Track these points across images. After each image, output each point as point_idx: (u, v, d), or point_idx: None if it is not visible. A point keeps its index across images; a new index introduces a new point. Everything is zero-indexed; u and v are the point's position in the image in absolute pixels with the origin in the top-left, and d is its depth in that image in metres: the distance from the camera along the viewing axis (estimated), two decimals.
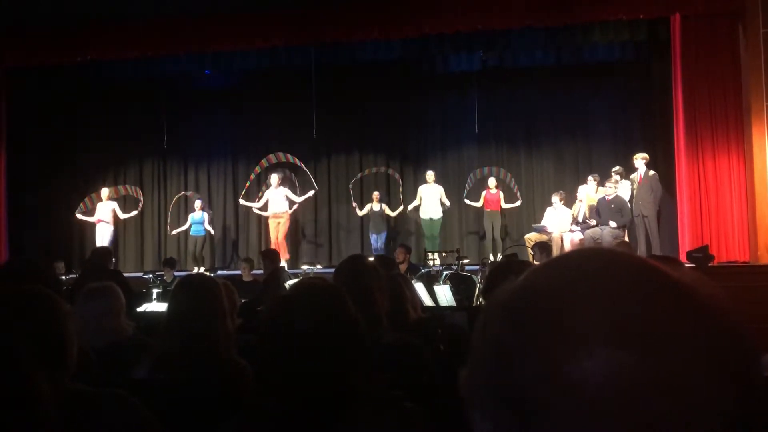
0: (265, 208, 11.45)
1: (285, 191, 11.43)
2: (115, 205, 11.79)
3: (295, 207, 11.56)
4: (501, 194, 11.38)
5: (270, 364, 1.44)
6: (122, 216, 11.76)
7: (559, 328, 0.46)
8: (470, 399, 0.50)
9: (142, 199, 12.27)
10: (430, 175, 11.39)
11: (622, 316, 0.45)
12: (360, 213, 11.78)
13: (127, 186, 12.51)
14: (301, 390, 1.38)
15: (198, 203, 11.98)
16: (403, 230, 12.43)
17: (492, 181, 11.33)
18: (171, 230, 12.19)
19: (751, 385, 0.46)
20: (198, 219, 11.83)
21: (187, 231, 11.97)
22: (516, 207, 11.41)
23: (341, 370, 1.40)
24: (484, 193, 11.33)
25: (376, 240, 11.53)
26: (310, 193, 11.58)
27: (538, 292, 0.49)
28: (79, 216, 11.82)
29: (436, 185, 11.33)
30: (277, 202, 11.31)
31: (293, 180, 12.12)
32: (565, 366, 0.45)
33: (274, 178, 11.45)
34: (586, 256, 0.51)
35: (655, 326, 0.45)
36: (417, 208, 11.35)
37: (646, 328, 0.45)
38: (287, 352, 1.41)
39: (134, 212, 12.03)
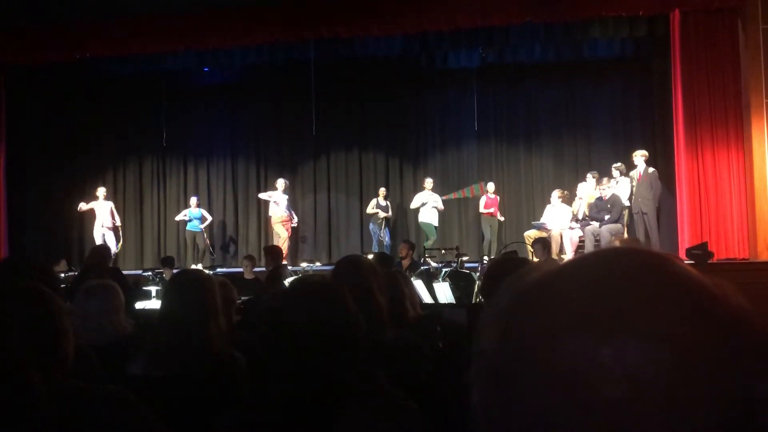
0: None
1: (286, 197, 11.47)
2: (111, 204, 11.77)
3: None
4: (499, 200, 11.37)
5: (269, 359, 1.45)
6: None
7: (541, 319, 0.49)
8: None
9: None
10: (429, 182, 11.38)
11: (591, 304, 0.47)
12: (372, 211, 11.76)
13: None
14: (297, 384, 1.38)
15: (194, 200, 11.98)
16: (406, 226, 12.43)
17: (491, 186, 11.32)
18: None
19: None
20: (196, 214, 11.84)
21: (184, 227, 12.00)
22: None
23: (337, 366, 1.39)
24: (483, 198, 11.32)
25: (383, 234, 11.53)
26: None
27: (523, 295, 0.52)
28: (82, 206, 11.69)
29: (434, 193, 11.35)
30: (284, 206, 11.37)
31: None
32: (543, 354, 0.47)
33: (281, 182, 11.45)
34: (598, 256, 0.53)
35: (620, 313, 0.47)
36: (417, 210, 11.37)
37: (619, 315, 0.46)
38: (284, 346, 1.41)
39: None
